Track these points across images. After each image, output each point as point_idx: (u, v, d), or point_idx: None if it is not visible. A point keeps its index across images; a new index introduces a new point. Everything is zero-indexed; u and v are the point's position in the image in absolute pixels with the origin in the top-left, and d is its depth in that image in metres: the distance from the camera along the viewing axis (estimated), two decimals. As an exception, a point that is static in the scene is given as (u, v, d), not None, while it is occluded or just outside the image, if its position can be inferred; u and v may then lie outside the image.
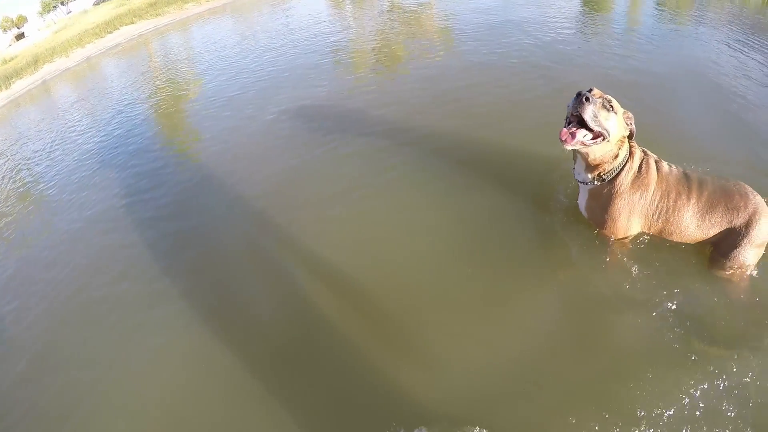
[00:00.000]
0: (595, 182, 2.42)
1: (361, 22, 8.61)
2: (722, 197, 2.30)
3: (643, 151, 2.43)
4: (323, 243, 2.79)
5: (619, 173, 2.35)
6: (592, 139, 2.21)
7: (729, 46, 5.68)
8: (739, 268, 2.28)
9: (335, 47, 6.95)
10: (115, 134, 5.97)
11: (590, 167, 2.39)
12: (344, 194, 3.19)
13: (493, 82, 4.70)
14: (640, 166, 2.38)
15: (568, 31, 6.72)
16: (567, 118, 2.21)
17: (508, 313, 2.22)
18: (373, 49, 6.69)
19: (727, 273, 2.30)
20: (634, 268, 2.40)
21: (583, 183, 2.48)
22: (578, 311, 2.23)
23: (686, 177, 2.37)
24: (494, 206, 2.80)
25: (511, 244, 2.58)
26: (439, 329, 2.16)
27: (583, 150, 2.26)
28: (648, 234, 2.46)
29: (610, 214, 2.43)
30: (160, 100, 6.83)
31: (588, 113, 2.10)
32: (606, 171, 2.37)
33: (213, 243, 3.13)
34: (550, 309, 2.27)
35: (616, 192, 2.37)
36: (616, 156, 2.33)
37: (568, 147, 2.21)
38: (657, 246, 2.47)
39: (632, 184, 2.36)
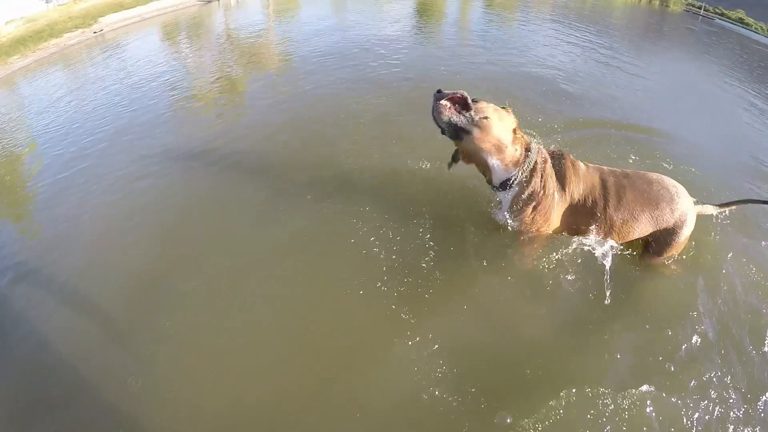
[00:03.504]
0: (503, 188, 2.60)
1: (199, 57, 8.27)
2: (646, 206, 2.48)
3: (558, 154, 2.61)
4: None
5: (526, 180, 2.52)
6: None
7: (548, 34, 6.88)
8: (671, 259, 2.61)
9: (176, 88, 6.51)
10: None
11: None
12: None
13: (336, 105, 4.82)
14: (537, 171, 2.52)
15: (405, 43, 7.05)
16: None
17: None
18: (216, 84, 6.42)
19: (659, 263, 2.62)
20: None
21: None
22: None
23: (602, 182, 2.54)
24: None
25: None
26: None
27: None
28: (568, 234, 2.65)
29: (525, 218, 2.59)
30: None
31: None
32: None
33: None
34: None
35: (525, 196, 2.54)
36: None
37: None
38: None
39: (543, 188, 2.51)
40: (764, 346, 2.29)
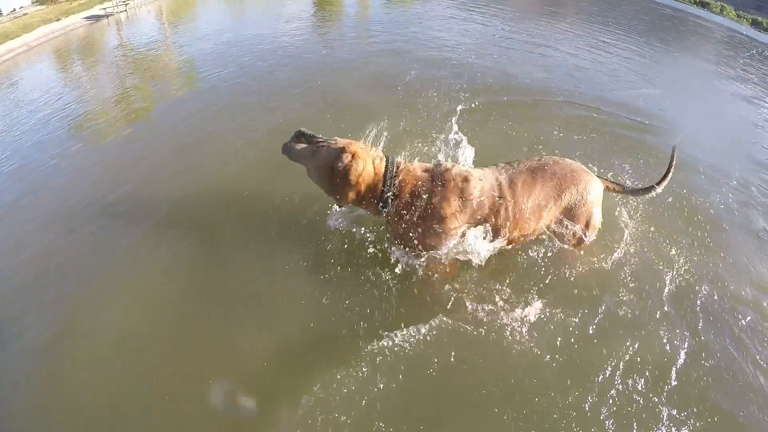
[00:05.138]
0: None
1: (96, 80, 7.86)
2: (549, 200, 2.43)
3: (441, 170, 2.46)
4: None
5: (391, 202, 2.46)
6: None
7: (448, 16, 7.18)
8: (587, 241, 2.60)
9: (74, 116, 6.04)
10: None
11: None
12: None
13: (242, 122, 4.75)
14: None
15: (300, 47, 6.97)
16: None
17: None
18: (116, 106, 6.08)
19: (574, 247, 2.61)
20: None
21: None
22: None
23: (497, 186, 2.45)
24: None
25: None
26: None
27: None
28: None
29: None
30: None
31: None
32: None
33: None
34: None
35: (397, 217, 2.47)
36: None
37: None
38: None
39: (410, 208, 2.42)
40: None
